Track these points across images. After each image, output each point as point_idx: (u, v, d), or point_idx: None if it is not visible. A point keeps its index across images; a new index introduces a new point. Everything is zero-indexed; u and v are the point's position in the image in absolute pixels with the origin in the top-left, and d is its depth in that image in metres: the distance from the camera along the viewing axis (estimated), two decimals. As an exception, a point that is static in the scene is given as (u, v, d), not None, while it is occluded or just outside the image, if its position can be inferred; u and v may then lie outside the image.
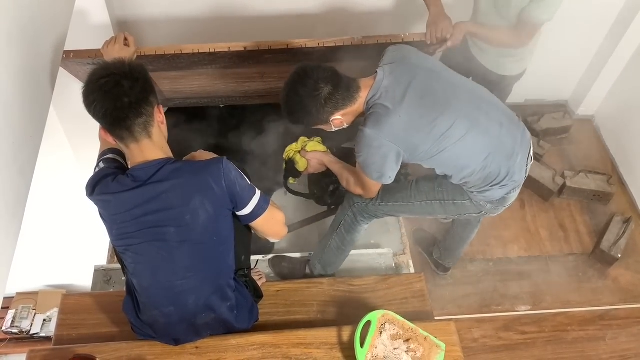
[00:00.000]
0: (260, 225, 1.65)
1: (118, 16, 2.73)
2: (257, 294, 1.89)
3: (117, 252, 1.66)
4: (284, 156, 2.23)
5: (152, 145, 1.49)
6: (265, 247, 2.56)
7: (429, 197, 2.02)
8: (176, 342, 1.75)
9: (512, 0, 2.15)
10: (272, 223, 1.68)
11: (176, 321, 1.65)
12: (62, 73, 1.94)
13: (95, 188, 1.53)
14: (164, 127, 1.56)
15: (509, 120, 1.89)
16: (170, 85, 2.45)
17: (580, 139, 3.63)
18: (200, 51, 2.01)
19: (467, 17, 2.42)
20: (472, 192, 1.93)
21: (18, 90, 1.42)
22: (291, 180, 2.29)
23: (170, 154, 1.55)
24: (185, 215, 1.49)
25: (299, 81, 1.75)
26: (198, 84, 2.45)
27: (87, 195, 1.56)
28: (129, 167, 1.54)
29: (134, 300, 1.70)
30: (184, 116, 2.73)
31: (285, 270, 2.37)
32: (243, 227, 1.68)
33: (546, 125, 3.53)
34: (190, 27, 2.83)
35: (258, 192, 1.61)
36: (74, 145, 2.61)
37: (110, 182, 1.51)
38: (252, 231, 1.75)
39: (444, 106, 1.76)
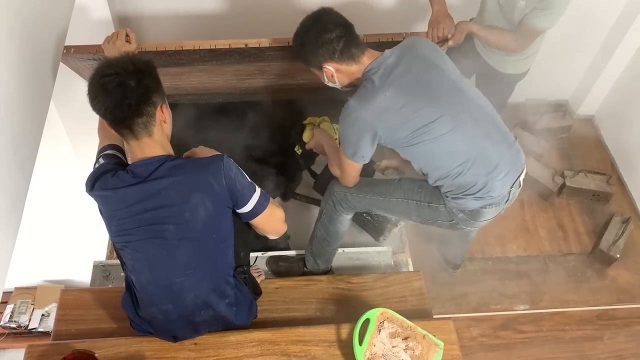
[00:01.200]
0: (261, 222, 1.65)
1: (119, 12, 2.73)
2: (256, 291, 1.89)
3: (116, 248, 1.66)
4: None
5: (152, 142, 1.49)
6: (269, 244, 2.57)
7: (407, 195, 1.99)
8: (175, 338, 1.75)
9: (516, 7, 2.18)
10: (272, 220, 1.68)
11: (174, 318, 1.65)
12: (63, 68, 1.93)
13: (95, 184, 1.53)
14: (167, 125, 1.56)
15: (501, 136, 1.85)
16: (171, 81, 2.45)
17: (580, 138, 3.63)
18: (201, 48, 2.00)
19: (471, 15, 2.43)
20: (447, 197, 1.88)
21: (18, 85, 1.41)
22: (296, 148, 2.36)
23: (170, 151, 1.55)
24: (185, 212, 1.49)
25: (315, 16, 1.79)
26: (198, 80, 2.44)
27: (86, 190, 1.56)
28: (129, 162, 1.54)
29: (132, 296, 1.70)
30: (185, 112, 2.73)
31: (283, 269, 2.37)
32: (243, 224, 1.68)
33: (546, 124, 3.54)
34: (192, 23, 2.83)
35: (258, 190, 1.61)
36: (74, 141, 2.61)
37: (110, 178, 1.51)
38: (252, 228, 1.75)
39: (433, 100, 1.75)
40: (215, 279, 1.64)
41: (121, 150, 1.69)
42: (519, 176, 1.91)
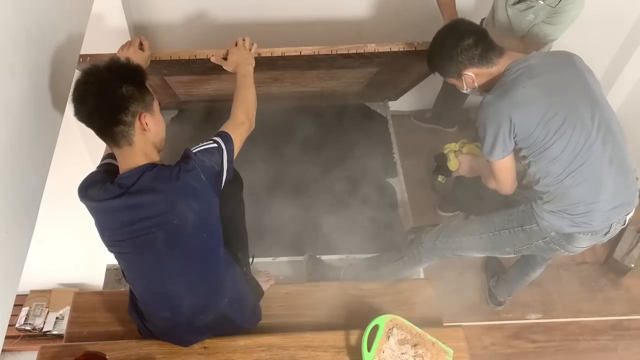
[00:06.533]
0: (238, 144, 1.62)
1: (135, 20, 2.76)
2: (257, 292, 1.89)
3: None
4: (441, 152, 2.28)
5: (133, 152, 1.47)
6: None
7: (497, 227, 1.97)
8: (180, 344, 1.76)
9: (525, 20, 2.25)
10: (240, 131, 1.64)
11: (174, 325, 1.66)
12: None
13: (83, 193, 1.53)
14: (152, 134, 1.50)
15: (623, 169, 1.82)
16: (185, 88, 2.48)
17: (595, 147, 3.59)
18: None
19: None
20: (544, 213, 1.84)
21: (34, 91, 1.44)
22: (440, 178, 2.31)
23: (154, 158, 1.51)
24: (173, 220, 1.46)
25: (449, 26, 1.85)
26: (212, 88, 2.47)
27: (79, 199, 1.55)
28: (120, 172, 1.51)
29: (136, 305, 1.72)
30: (196, 117, 2.77)
31: (318, 275, 2.35)
32: (237, 225, 1.68)
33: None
34: (206, 31, 2.86)
35: (221, 144, 1.55)
36: (89, 145, 2.65)
37: (98, 190, 1.50)
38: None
39: (569, 105, 1.72)
40: (210, 279, 1.63)
41: None
42: (627, 215, 1.89)
